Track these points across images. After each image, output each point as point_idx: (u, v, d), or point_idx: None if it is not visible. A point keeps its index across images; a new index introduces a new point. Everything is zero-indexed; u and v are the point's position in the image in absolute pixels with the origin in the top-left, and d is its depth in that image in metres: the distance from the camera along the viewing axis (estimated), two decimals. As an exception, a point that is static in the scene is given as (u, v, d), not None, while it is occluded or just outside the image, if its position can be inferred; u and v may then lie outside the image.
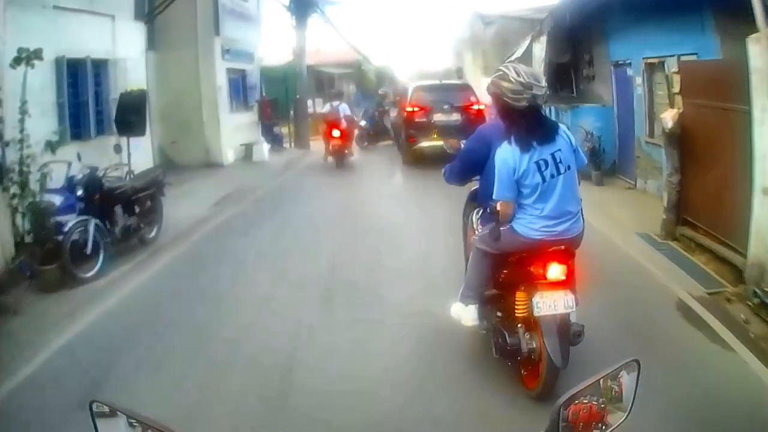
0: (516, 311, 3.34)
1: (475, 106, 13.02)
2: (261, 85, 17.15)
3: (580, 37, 11.67)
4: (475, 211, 3.99)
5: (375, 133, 16.77)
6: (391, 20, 71.61)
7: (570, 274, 3.24)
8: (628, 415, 1.22)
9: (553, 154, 3.17)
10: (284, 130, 17.62)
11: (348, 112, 13.67)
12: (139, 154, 8.58)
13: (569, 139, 3.30)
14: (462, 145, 4.22)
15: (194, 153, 12.85)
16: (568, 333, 3.22)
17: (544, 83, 3.18)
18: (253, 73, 16.23)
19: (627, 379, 1.24)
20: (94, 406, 1.13)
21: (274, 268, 6.16)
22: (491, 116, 13.21)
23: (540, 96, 3.11)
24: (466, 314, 3.64)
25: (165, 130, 12.06)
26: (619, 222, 7.42)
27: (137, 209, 6.93)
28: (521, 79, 3.06)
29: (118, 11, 9.14)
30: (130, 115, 8.25)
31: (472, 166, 3.78)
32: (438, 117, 12.77)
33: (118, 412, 1.11)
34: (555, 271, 3.18)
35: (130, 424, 1.11)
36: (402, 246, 6.79)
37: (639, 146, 9.34)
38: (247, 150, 14.48)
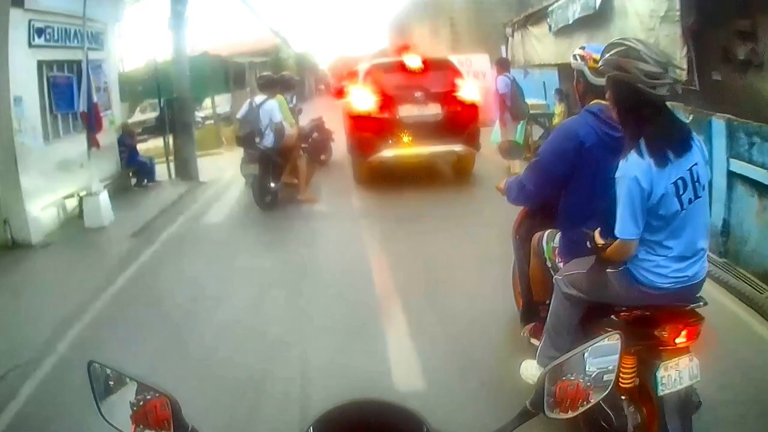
0: (621, 380, 2.44)
1: (464, 94, 8.30)
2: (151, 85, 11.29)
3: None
4: (546, 234, 3.04)
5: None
6: None
7: None
8: (609, 390, 1.18)
9: (690, 170, 2.28)
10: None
11: (278, 116, 7.61)
12: None
13: (702, 147, 2.36)
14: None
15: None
16: (691, 410, 2.44)
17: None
18: (106, 67, 10.50)
19: (609, 351, 1.20)
20: (91, 368, 1.13)
21: None
22: (497, 111, 8.57)
23: (678, 83, 2.52)
24: (535, 371, 2.80)
25: None
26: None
27: None
28: (658, 58, 2.18)
29: None
30: None
31: (559, 177, 2.72)
32: (407, 111, 8.05)
33: (114, 373, 1.13)
34: (687, 335, 2.37)
35: (125, 386, 1.11)
36: None
37: None
38: (81, 205, 8.22)
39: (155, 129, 12.29)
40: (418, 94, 8.04)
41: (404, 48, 8.94)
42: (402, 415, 1.05)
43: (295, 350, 3.97)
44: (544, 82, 11.76)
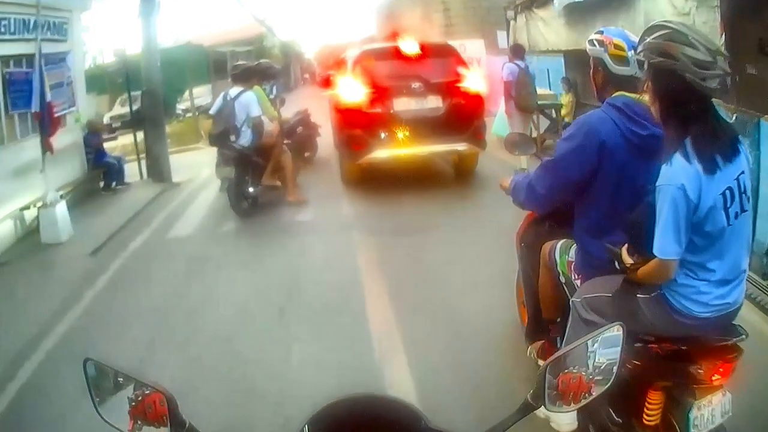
0: (646, 417, 2.19)
1: (468, 84, 7.39)
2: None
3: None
4: (560, 244, 2.66)
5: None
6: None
7: None
8: (611, 382, 1.16)
9: (737, 179, 1.99)
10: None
11: (256, 110, 6.65)
12: None
13: (746, 153, 2.07)
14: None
15: None
16: None
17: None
18: (71, 60, 9.40)
19: (612, 343, 1.19)
20: (87, 365, 1.13)
21: None
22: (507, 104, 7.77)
23: (728, 76, 1.99)
24: (563, 416, 2.45)
25: None
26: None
27: None
28: (708, 45, 1.88)
29: None
30: None
31: (575, 181, 2.36)
32: (403, 104, 7.10)
33: (110, 371, 1.12)
34: (724, 371, 2.08)
35: (122, 383, 1.11)
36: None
37: None
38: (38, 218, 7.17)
39: (132, 123, 11.21)
40: (415, 84, 7.08)
41: (396, 34, 7.95)
42: (399, 410, 1.05)
43: (273, 399, 3.18)
44: (548, 70, 10.87)
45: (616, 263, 2.16)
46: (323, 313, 4.30)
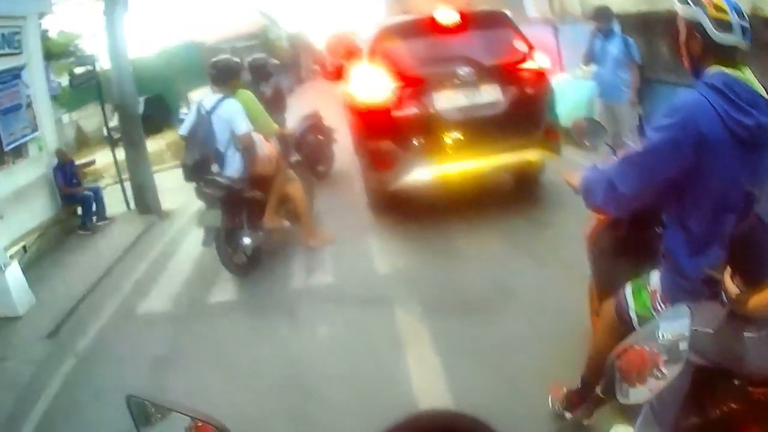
0: None
1: (532, 65, 5.38)
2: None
3: None
4: (629, 288, 2.20)
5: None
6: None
7: None
8: (683, 364, 1.13)
9: None
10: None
11: (243, 125, 4.71)
12: None
13: None
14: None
15: None
16: None
17: None
18: (29, 76, 7.67)
19: (679, 327, 1.16)
20: (131, 402, 1.13)
21: None
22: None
23: None
24: None
25: None
26: None
27: None
28: None
29: None
30: None
31: (667, 180, 1.93)
32: (446, 100, 5.10)
33: (155, 406, 1.13)
34: None
35: (170, 417, 1.11)
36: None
37: None
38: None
39: (109, 141, 9.46)
40: (463, 70, 5.06)
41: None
42: (472, 426, 1.02)
43: None
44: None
45: (726, 299, 1.79)
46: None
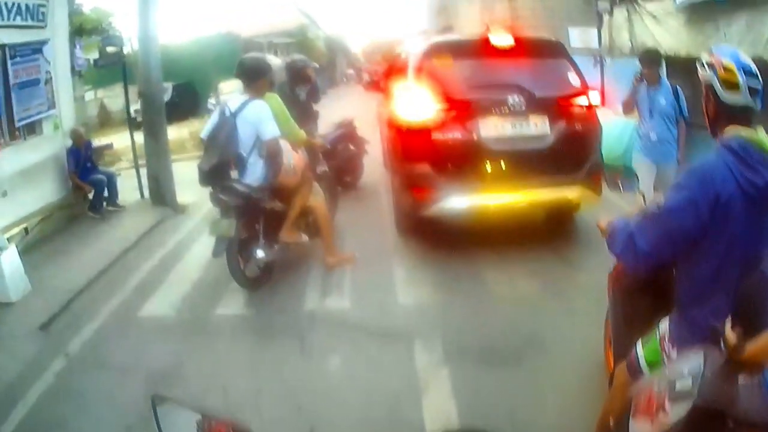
0: None
1: (584, 102, 5.03)
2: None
3: None
4: (639, 342, 2.24)
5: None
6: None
7: None
8: (694, 401, 1.14)
9: None
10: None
11: (270, 129, 4.32)
12: None
13: None
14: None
15: None
16: None
17: None
18: (50, 51, 7.35)
19: (690, 370, 1.20)
20: (155, 401, 1.12)
21: None
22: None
23: None
24: None
25: None
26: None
27: None
28: None
29: None
30: None
31: (684, 238, 1.98)
32: (493, 128, 4.76)
33: (179, 406, 1.12)
34: None
35: (192, 417, 1.10)
36: None
37: None
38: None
39: (130, 126, 9.16)
40: (513, 98, 4.76)
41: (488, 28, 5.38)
42: None
43: None
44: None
45: (724, 346, 1.80)
46: None
